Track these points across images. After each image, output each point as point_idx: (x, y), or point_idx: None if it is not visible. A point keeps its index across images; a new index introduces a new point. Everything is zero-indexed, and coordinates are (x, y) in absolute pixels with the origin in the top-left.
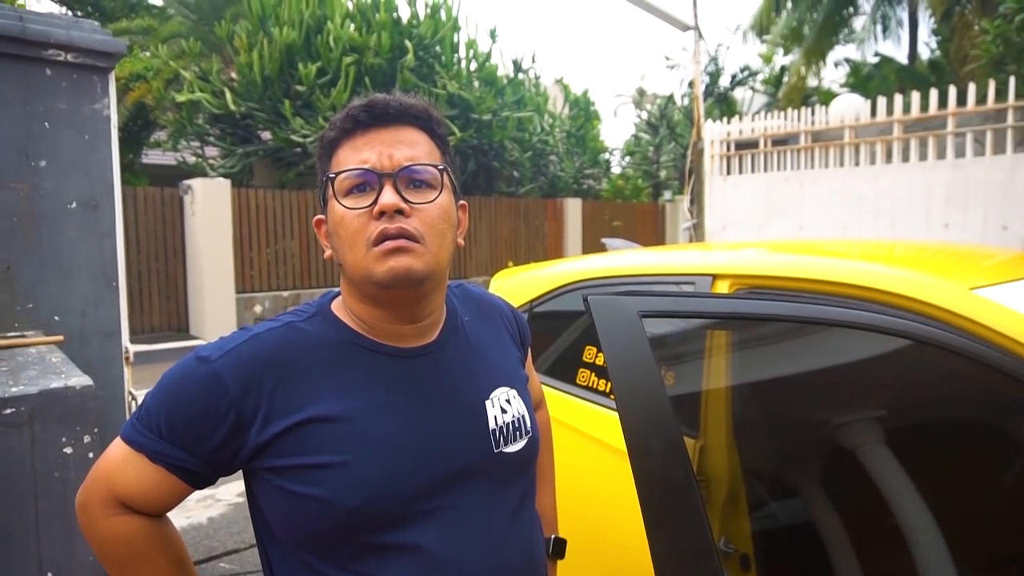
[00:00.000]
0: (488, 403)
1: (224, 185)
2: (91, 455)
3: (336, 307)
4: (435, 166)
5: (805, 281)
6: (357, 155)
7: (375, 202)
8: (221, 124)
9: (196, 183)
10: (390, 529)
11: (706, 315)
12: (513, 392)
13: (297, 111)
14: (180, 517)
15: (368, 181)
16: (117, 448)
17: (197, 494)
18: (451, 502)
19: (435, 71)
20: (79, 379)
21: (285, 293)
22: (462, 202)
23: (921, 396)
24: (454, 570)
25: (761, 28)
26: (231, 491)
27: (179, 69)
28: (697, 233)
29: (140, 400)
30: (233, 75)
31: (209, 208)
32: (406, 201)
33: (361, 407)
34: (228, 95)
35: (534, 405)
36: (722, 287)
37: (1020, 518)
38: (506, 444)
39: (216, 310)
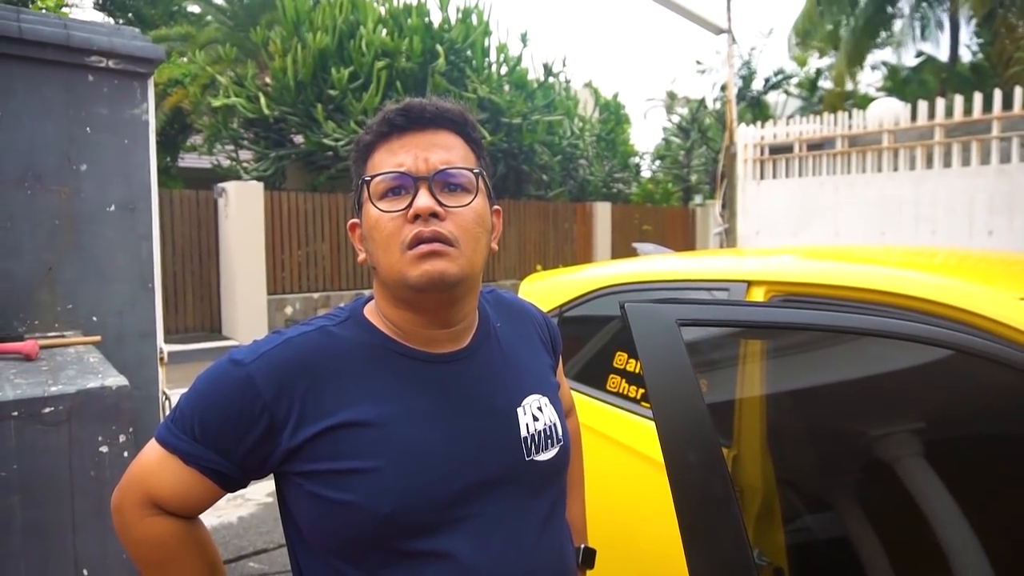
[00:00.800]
0: (520, 411)
1: (257, 188)
2: (126, 454)
3: (369, 312)
4: (470, 170)
5: (844, 289)
6: (393, 158)
7: (410, 205)
8: (255, 128)
9: (230, 186)
10: (421, 536)
11: (745, 324)
12: (545, 400)
13: (329, 115)
14: (210, 516)
15: (403, 184)
16: (152, 450)
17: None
18: (482, 510)
19: (466, 75)
20: (115, 379)
21: (315, 295)
22: (496, 207)
23: (963, 409)
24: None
25: (804, 32)
26: (261, 491)
27: (215, 74)
28: (729, 238)
29: (174, 401)
30: (267, 80)
31: (242, 210)
32: (441, 204)
33: (393, 412)
34: (262, 99)
35: (564, 412)
36: (757, 294)
37: None
38: (538, 452)
39: (248, 311)
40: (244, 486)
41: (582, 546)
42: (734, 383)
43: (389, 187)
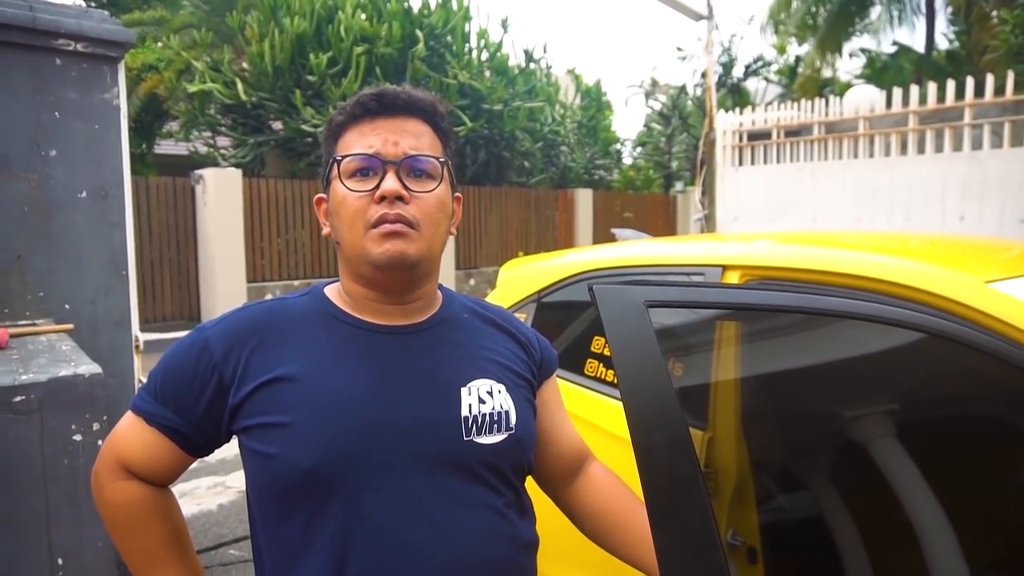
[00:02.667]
0: (465, 390)
1: (235, 175)
2: (99, 442)
3: (328, 289)
4: (436, 158)
5: (816, 273)
6: (364, 140)
7: (377, 187)
8: (232, 114)
9: (208, 173)
10: (342, 497)
11: (714, 305)
12: (500, 387)
13: (308, 101)
14: (190, 504)
15: (372, 166)
16: (124, 417)
17: (208, 480)
18: (412, 482)
19: (446, 61)
20: (88, 367)
21: (296, 282)
22: (457, 194)
23: (933, 391)
24: (409, 553)
25: (780, 19)
26: (241, 479)
27: (191, 59)
28: (708, 224)
29: None
30: (244, 65)
31: (220, 198)
32: (407, 188)
33: (322, 370)
34: (239, 85)
35: (579, 456)
36: (732, 278)
37: None
38: (480, 434)
39: (227, 299)
40: (207, 452)
41: None
42: (709, 367)
43: (358, 167)
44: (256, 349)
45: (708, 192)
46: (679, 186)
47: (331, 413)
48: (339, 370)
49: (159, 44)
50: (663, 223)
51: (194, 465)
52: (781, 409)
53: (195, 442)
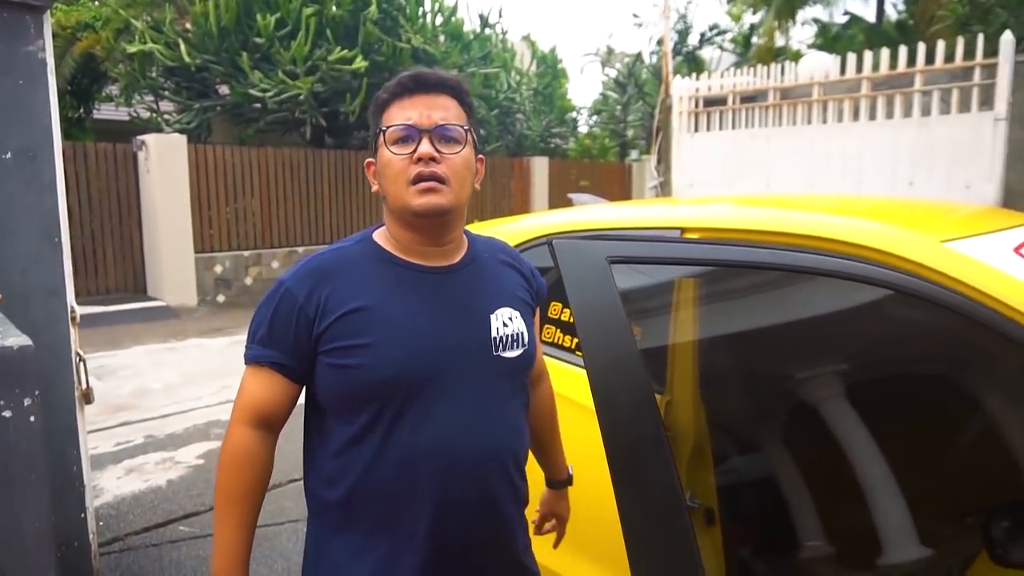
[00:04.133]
0: (493, 316)
1: (180, 141)
2: (32, 418)
3: (377, 235)
4: (462, 126)
5: (775, 235)
6: (403, 113)
7: (415, 151)
8: (176, 77)
9: (150, 139)
10: (409, 398)
11: (680, 261)
12: (516, 313)
13: (256, 64)
14: (137, 480)
15: (411, 134)
16: (244, 373)
17: (156, 456)
18: (455, 385)
19: (399, 24)
20: (17, 339)
21: (246, 253)
22: (480, 156)
23: (886, 350)
24: (452, 432)
25: None
26: (191, 453)
27: (130, 18)
28: (664, 191)
29: (90, 363)
30: (188, 26)
31: (165, 165)
32: (438, 151)
33: (390, 302)
34: (183, 47)
35: (536, 376)
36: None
37: (977, 469)
38: (504, 350)
39: (174, 270)
40: (307, 380)
41: (569, 474)
42: (666, 330)
43: (400, 136)
44: (332, 291)
45: (664, 159)
46: (635, 154)
47: (402, 335)
48: (402, 302)
49: (95, 1)
50: (619, 191)
51: (139, 440)
52: (738, 371)
53: (296, 370)
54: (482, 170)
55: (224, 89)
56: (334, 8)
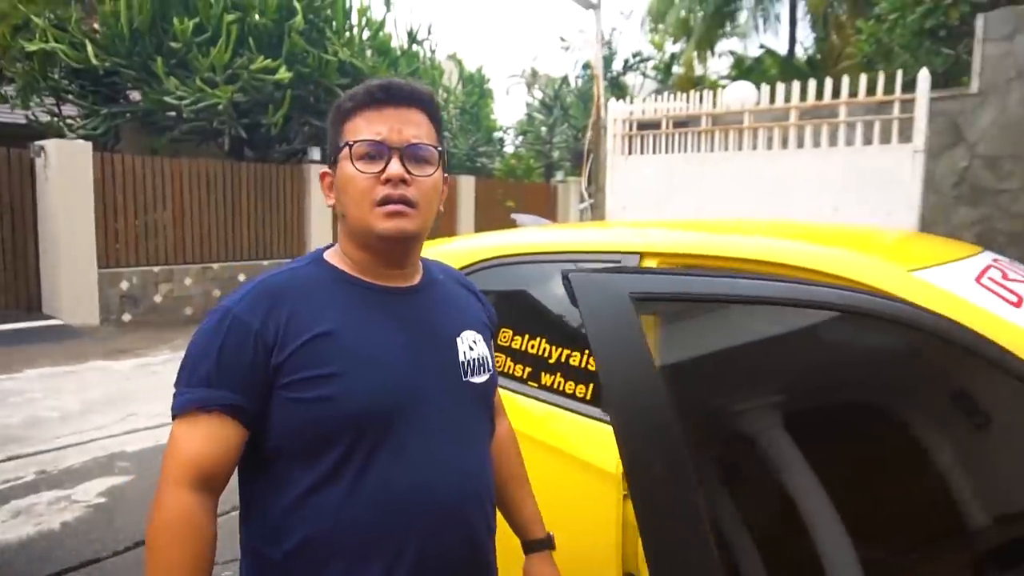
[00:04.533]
0: (459, 340)
1: (84, 148)
2: None
3: (329, 255)
4: (434, 147)
5: (740, 261)
6: (371, 127)
7: (383, 169)
8: (81, 80)
9: (50, 144)
10: (382, 432)
11: (717, 299)
12: (479, 336)
13: (171, 70)
14: (27, 524)
15: (379, 151)
16: (175, 427)
17: (49, 495)
18: (430, 412)
19: (326, 36)
20: None
21: (156, 268)
22: (446, 175)
23: (842, 377)
24: (429, 467)
25: (658, 16)
26: (91, 491)
27: (30, 15)
28: (595, 213)
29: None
30: (96, 26)
31: (66, 173)
32: (409, 173)
33: (354, 327)
34: (90, 48)
35: (497, 410)
36: (650, 266)
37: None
38: (472, 375)
39: (74, 287)
40: (259, 421)
41: (550, 534)
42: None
43: (367, 152)
44: (292, 313)
45: (595, 181)
46: (560, 176)
47: (373, 363)
48: (368, 326)
49: None
50: (544, 212)
51: (30, 477)
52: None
53: (250, 412)
54: (447, 190)
55: (135, 95)
56: (257, 16)
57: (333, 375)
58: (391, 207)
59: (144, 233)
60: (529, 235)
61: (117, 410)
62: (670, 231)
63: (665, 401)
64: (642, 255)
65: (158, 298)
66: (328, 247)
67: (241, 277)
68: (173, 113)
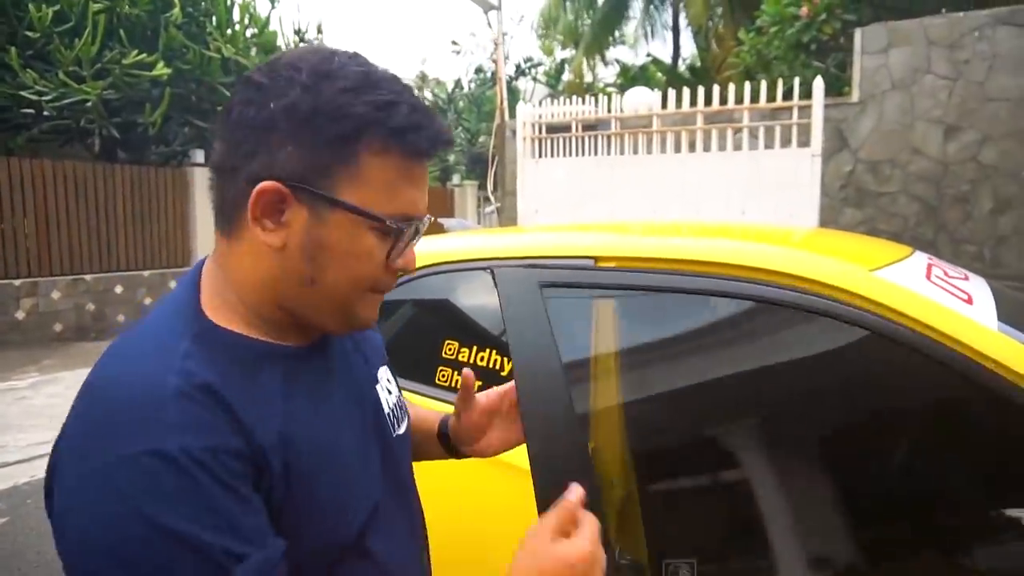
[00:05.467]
0: (379, 387)
1: None
2: None
3: (217, 318)
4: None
5: (697, 263)
6: (409, 192)
7: (391, 251)
8: None
9: None
10: (353, 548)
11: (611, 286)
12: (386, 367)
13: (27, 62)
14: None
15: (404, 230)
16: None
17: None
18: (387, 503)
19: (207, 32)
20: None
21: (16, 282)
22: None
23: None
24: (396, 567)
25: (549, 21)
26: None
27: None
28: (502, 217)
29: None
30: None
31: None
32: None
33: (302, 420)
34: None
35: None
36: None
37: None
38: (398, 426)
39: None
40: None
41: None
42: (587, 375)
43: (396, 228)
44: (253, 423)
45: (501, 185)
46: (456, 179)
47: (339, 474)
48: (312, 418)
49: None
50: (444, 215)
51: None
52: (666, 411)
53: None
54: None
55: None
56: (128, 6)
57: (316, 486)
58: (380, 296)
59: (2, 242)
60: (473, 240)
61: None
62: (620, 236)
63: (557, 360)
64: (596, 259)
65: (20, 314)
66: (184, 304)
67: (119, 289)
68: (31, 110)
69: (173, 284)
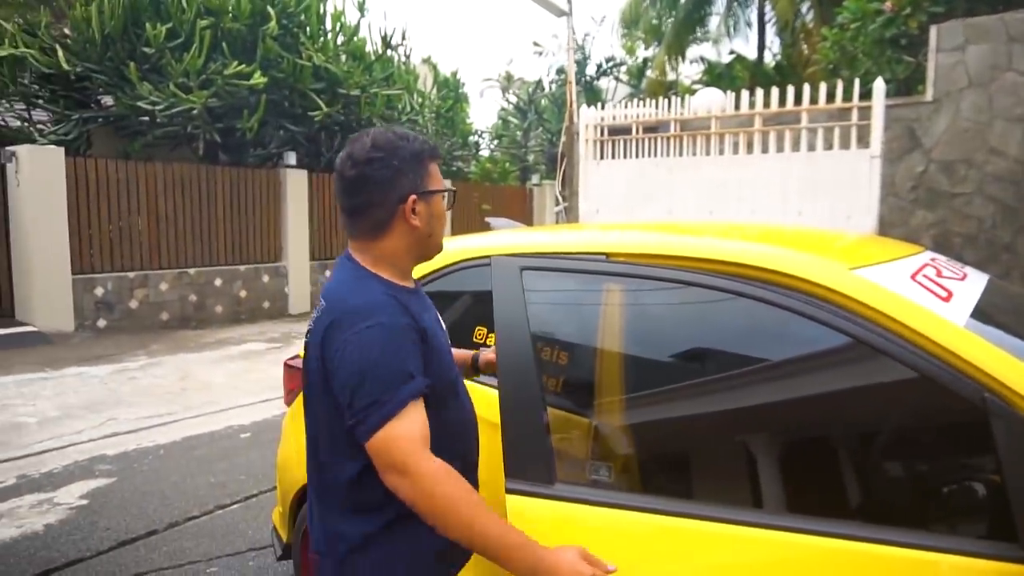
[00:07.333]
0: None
1: (57, 153)
2: None
3: (381, 273)
4: None
5: (695, 260)
6: (442, 178)
7: (448, 206)
8: (52, 85)
9: (22, 150)
10: (450, 391)
11: (568, 270)
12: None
13: (144, 75)
14: (9, 527)
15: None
16: (404, 412)
17: (31, 498)
18: (458, 376)
19: (300, 41)
20: None
21: (131, 274)
22: None
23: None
24: (469, 410)
25: (630, 22)
26: (73, 493)
27: None
28: (569, 216)
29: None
30: (67, 31)
31: (38, 179)
32: None
33: (428, 322)
34: (60, 53)
35: None
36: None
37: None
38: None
39: (48, 293)
40: None
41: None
42: (593, 354)
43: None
44: (416, 315)
45: (568, 185)
46: (535, 179)
47: (443, 351)
48: (432, 323)
49: None
50: (520, 214)
51: (11, 481)
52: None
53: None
54: None
55: (107, 100)
56: (231, 21)
57: (434, 356)
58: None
59: (119, 238)
60: (504, 238)
61: (96, 415)
62: (630, 233)
63: (527, 331)
64: (608, 256)
65: (134, 304)
66: (362, 271)
67: (218, 282)
68: (146, 118)
69: (266, 278)
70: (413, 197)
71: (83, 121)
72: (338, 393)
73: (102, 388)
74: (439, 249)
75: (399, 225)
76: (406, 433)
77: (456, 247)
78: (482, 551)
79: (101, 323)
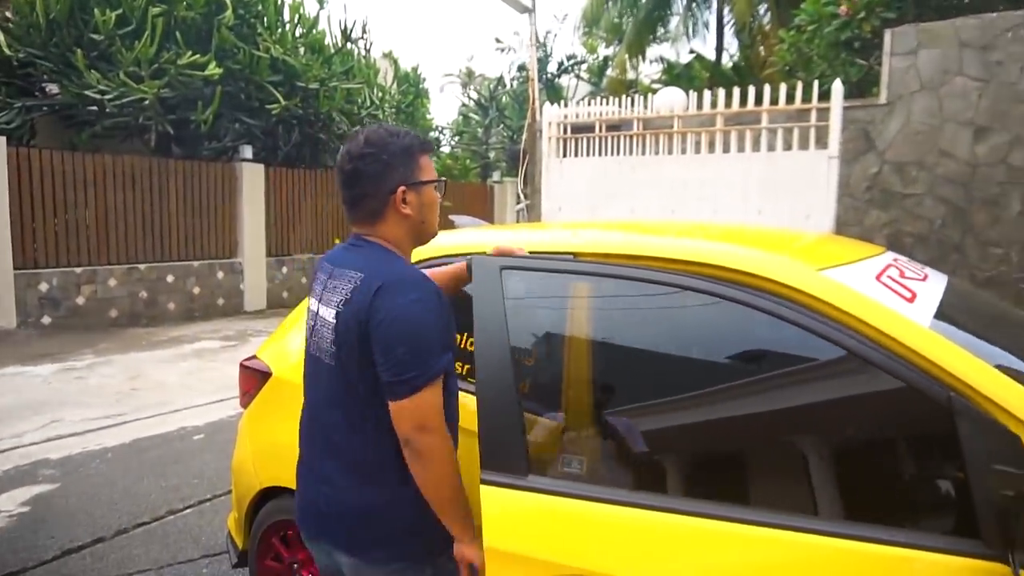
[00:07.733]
0: None
1: None
2: None
3: (399, 252)
4: None
5: (662, 260)
6: (433, 169)
7: (440, 195)
8: None
9: None
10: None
11: (544, 269)
12: None
13: (92, 63)
14: None
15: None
16: (431, 387)
17: None
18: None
19: (257, 32)
20: None
21: (78, 270)
22: None
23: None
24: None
25: (591, 20)
26: (13, 500)
27: None
28: (531, 214)
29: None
30: (8, 15)
31: None
32: None
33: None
34: (2, 38)
35: None
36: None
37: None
38: None
39: None
40: None
41: None
42: (560, 358)
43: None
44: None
45: (531, 182)
46: (496, 176)
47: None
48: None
49: None
50: (481, 212)
51: None
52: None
53: None
54: None
55: (53, 88)
56: (184, 9)
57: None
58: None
59: (64, 232)
60: (471, 236)
61: (39, 416)
62: (599, 232)
63: (505, 329)
64: (575, 255)
65: (80, 300)
66: (388, 254)
67: (170, 278)
68: (95, 107)
69: (221, 275)
70: (403, 188)
71: (26, 109)
72: (380, 352)
73: (46, 388)
74: (433, 234)
75: (392, 214)
76: (435, 400)
77: (434, 243)
78: (451, 520)
79: (46, 320)
